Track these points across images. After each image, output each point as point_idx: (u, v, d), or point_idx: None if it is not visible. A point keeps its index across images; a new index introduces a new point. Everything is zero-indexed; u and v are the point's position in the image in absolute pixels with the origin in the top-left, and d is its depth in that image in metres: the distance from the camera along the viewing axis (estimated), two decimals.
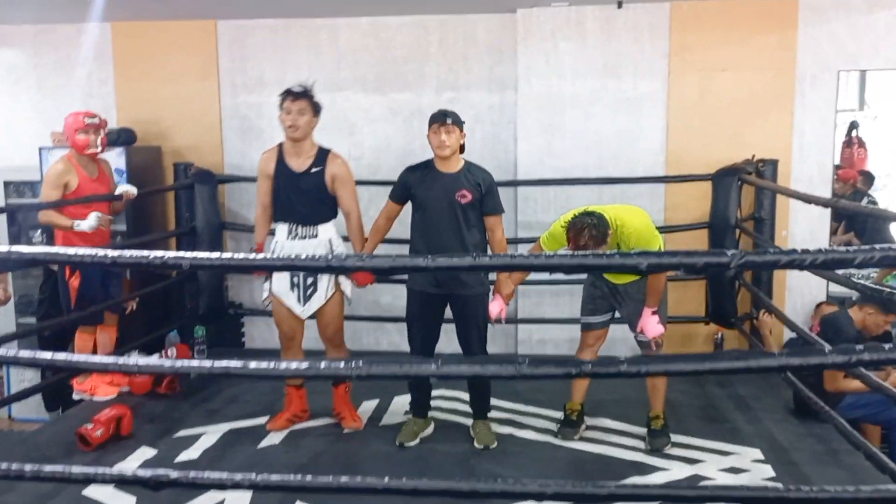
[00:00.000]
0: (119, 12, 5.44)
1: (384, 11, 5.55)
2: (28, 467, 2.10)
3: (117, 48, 5.82)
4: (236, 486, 2.19)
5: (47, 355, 1.99)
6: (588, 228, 3.37)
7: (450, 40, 5.60)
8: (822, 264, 1.63)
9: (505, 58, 5.54)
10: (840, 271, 6.47)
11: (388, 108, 5.73)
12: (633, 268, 1.69)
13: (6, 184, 5.76)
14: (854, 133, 9.20)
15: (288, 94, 3.80)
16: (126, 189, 4.59)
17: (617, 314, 3.95)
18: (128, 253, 1.83)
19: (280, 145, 3.94)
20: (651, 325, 3.74)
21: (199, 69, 5.80)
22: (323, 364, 1.84)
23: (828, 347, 1.76)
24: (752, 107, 5.32)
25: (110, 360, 2.26)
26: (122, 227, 5.31)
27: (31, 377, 5.61)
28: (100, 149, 4.45)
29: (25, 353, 1.99)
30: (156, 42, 5.78)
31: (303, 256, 3.18)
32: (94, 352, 4.62)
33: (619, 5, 5.27)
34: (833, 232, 6.16)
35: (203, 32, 5.77)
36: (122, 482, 2.52)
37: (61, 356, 2.04)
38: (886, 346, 1.70)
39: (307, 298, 3.91)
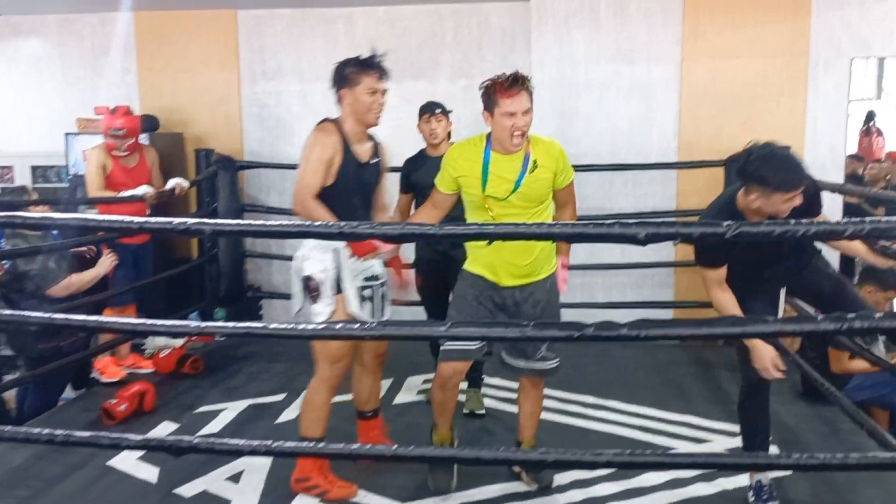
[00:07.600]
0: (142, 3, 5.57)
1: (399, 1, 5.64)
2: (59, 432, 2.23)
3: (140, 38, 5.96)
4: (253, 452, 2.31)
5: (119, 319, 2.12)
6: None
7: (464, 28, 5.69)
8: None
9: (518, 45, 5.61)
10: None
11: (403, 97, 5.76)
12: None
13: (34, 168, 5.95)
14: (872, 122, 9.13)
15: (378, 69, 3.12)
16: (178, 182, 4.84)
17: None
18: (153, 219, 1.98)
19: (337, 124, 3.06)
20: (564, 275, 3.16)
21: (220, 58, 5.93)
22: (339, 325, 1.91)
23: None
24: (765, 93, 5.35)
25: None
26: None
27: None
28: (126, 153, 4.70)
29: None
30: (177, 32, 5.91)
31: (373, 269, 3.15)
32: None
33: None
34: None
35: (223, 22, 5.89)
36: (146, 448, 2.64)
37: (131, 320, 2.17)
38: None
39: (381, 310, 3.22)
